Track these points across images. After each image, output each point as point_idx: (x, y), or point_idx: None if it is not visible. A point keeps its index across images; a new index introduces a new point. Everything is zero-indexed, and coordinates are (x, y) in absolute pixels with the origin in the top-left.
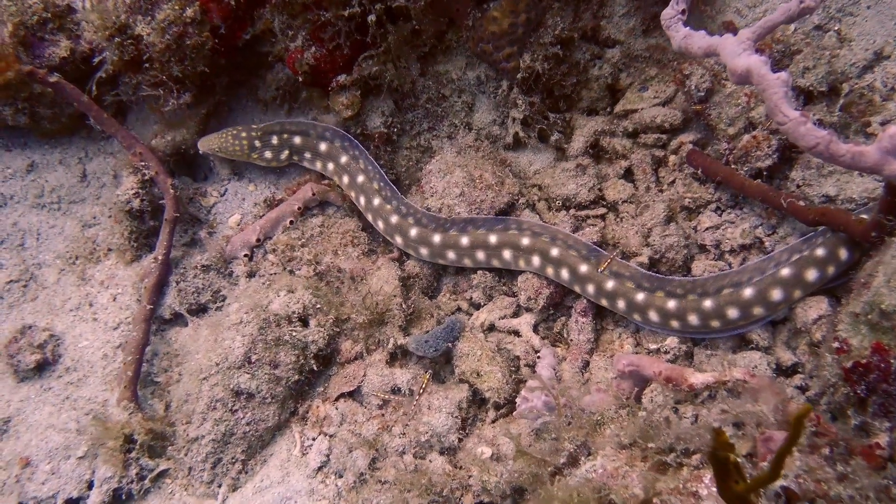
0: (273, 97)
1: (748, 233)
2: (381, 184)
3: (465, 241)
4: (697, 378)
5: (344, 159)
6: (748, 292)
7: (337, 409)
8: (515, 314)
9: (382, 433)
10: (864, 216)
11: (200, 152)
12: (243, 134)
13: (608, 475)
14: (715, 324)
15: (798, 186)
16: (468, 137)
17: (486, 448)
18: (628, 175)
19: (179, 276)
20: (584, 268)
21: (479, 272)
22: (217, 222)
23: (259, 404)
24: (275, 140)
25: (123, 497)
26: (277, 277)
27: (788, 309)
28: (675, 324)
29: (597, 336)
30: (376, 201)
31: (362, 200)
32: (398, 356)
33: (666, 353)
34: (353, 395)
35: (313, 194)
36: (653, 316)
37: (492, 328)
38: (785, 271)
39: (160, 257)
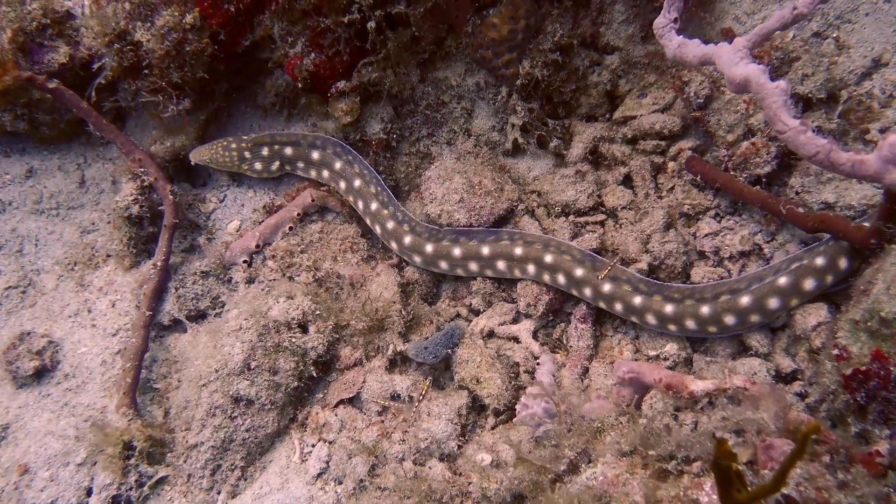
0: (272, 103)
1: (747, 239)
2: (378, 188)
3: (457, 251)
4: (698, 385)
5: (338, 165)
6: (745, 300)
7: (336, 415)
8: (515, 320)
9: (382, 440)
10: (865, 224)
11: (191, 163)
12: (233, 145)
13: (609, 482)
14: (712, 329)
15: (797, 193)
16: (467, 144)
17: (485, 455)
18: (627, 181)
19: (178, 282)
20: (579, 272)
21: (479, 278)
22: (216, 228)
23: (258, 411)
24: (265, 151)
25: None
26: (277, 283)
27: (788, 315)
28: (672, 327)
29: (596, 342)
30: (374, 205)
31: (360, 204)
32: (398, 362)
33: (665, 359)
34: (353, 401)
35: (312, 200)
36: (650, 319)
37: (491, 334)
38: (783, 280)
39: (159, 263)
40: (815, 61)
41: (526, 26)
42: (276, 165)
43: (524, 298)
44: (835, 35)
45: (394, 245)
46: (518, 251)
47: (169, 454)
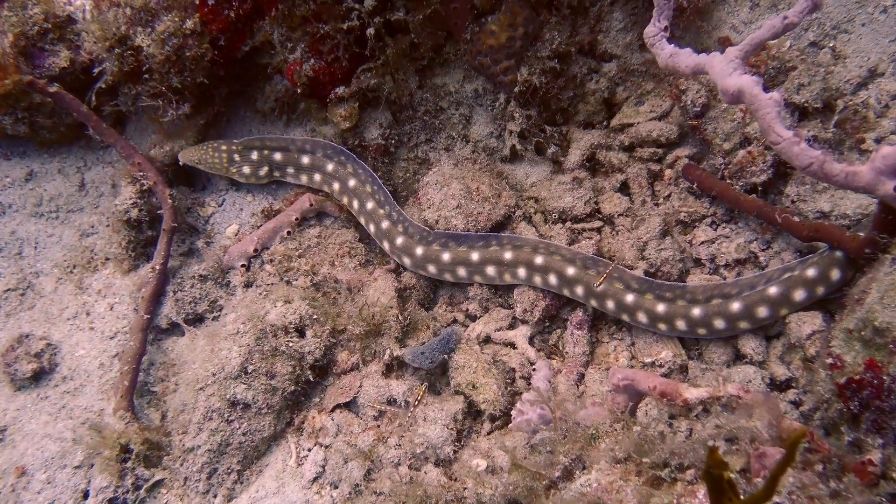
0: (271, 108)
1: (743, 247)
2: (375, 187)
3: (445, 257)
4: (692, 393)
5: (330, 167)
6: (736, 306)
7: (333, 419)
8: (511, 326)
9: (378, 444)
10: (859, 233)
11: (181, 164)
12: (223, 147)
13: (603, 489)
14: (701, 331)
15: (793, 202)
16: (465, 150)
17: (481, 460)
18: (624, 189)
19: (177, 285)
20: (570, 270)
21: (476, 285)
22: (215, 232)
23: (255, 414)
24: (255, 155)
25: None
26: (274, 288)
27: (782, 324)
28: (662, 326)
29: (592, 349)
30: (370, 205)
31: (355, 204)
32: (394, 367)
33: (661, 366)
34: (349, 405)
35: (311, 205)
36: (641, 318)
37: (487, 340)
38: (773, 290)
39: (158, 267)
40: (812, 71)
41: (524, 34)
42: (264, 171)
43: (521, 304)
44: (831, 45)
45: (386, 245)
46: (507, 255)
47: (166, 457)
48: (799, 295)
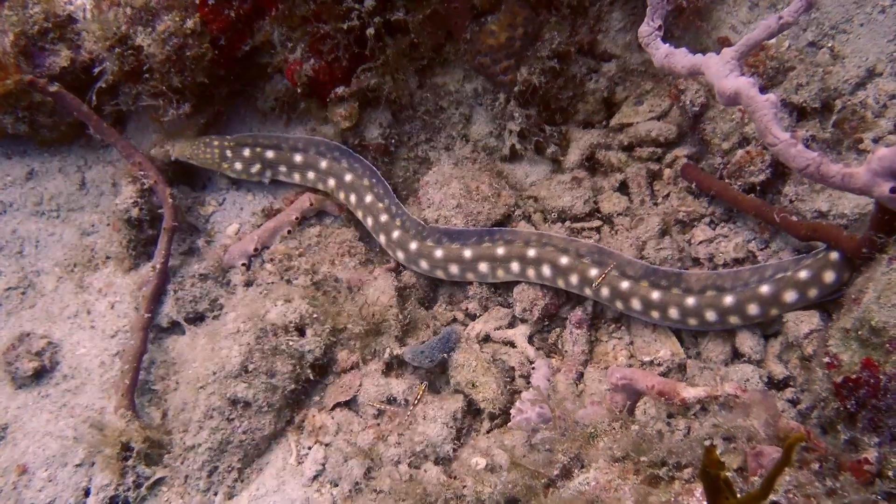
0: (271, 108)
1: (741, 247)
2: (374, 180)
3: (438, 253)
4: (689, 392)
5: (324, 164)
6: (728, 300)
7: (333, 418)
8: (511, 325)
9: (378, 442)
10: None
11: (172, 158)
12: (215, 143)
13: (601, 488)
14: (692, 321)
15: (791, 201)
16: (465, 149)
17: (480, 458)
18: (623, 188)
19: (177, 284)
20: (564, 260)
21: (475, 283)
22: (215, 231)
23: (255, 413)
24: (246, 152)
25: None
26: (275, 287)
27: (780, 322)
28: (655, 314)
29: (591, 348)
30: (368, 198)
31: (353, 198)
32: (394, 366)
33: (659, 365)
34: (349, 404)
35: (311, 204)
36: (635, 304)
37: (487, 339)
38: (765, 288)
39: (158, 266)
40: (810, 71)
41: (524, 34)
42: (256, 168)
43: (520, 303)
44: (829, 45)
45: (382, 238)
46: (500, 251)
47: (166, 455)
48: (789, 296)
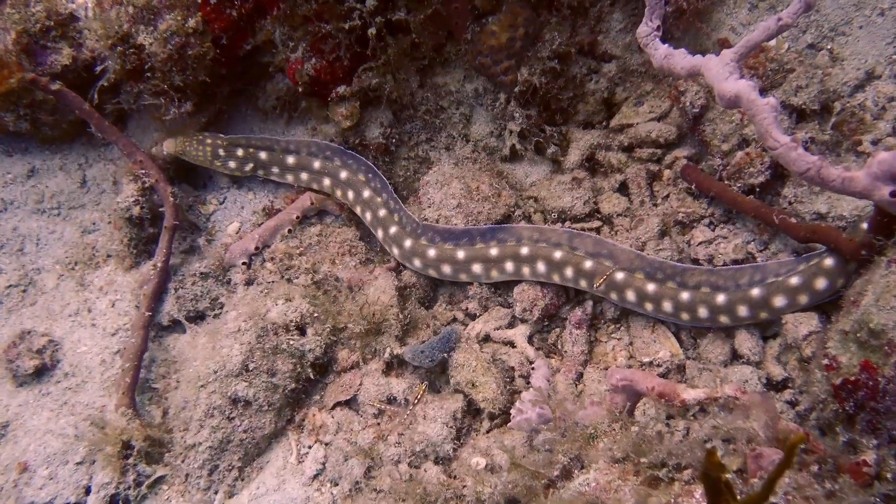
0: (273, 107)
1: (740, 248)
2: (370, 175)
3: (431, 252)
4: (689, 394)
5: (317, 164)
6: (720, 299)
7: (333, 417)
8: (510, 325)
9: (378, 442)
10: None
11: (164, 153)
12: (208, 141)
13: (601, 489)
14: (685, 316)
15: (790, 203)
16: (466, 149)
17: (480, 458)
18: (623, 189)
19: (178, 283)
20: (557, 254)
21: (475, 284)
22: (216, 230)
23: (256, 412)
24: (240, 152)
25: (120, 503)
26: (275, 286)
27: (779, 324)
28: (649, 307)
29: (590, 348)
30: (366, 193)
31: (350, 195)
32: (394, 366)
33: (658, 366)
34: (350, 403)
35: (311, 203)
36: (630, 296)
37: (487, 339)
38: (755, 291)
39: (159, 264)
40: (809, 73)
41: (524, 34)
42: (249, 167)
43: (520, 303)
44: (829, 47)
45: (380, 233)
46: (493, 252)
47: (167, 454)
48: (778, 301)
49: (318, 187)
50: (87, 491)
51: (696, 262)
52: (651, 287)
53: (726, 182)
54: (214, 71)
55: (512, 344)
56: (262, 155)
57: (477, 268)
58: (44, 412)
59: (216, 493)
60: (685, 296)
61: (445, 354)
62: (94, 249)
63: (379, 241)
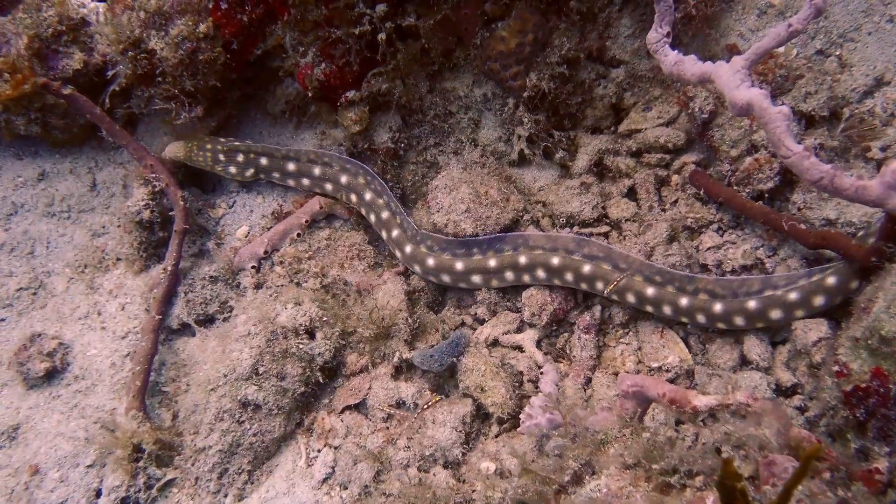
0: (282, 111)
1: (749, 254)
2: (369, 178)
3: (430, 262)
4: (701, 401)
5: (317, 171)
6: (718, 307)
7: (342, 421)
8: (519, 330)
9: (387, 446)
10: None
11: (166, 158)
12: (208, 146)
13: (613, 495)
14: (683, 320)
15: (799, 209)
16: (474, 153)
17: (489, 463)
18: (631, 194)
19: (188, 286)
20: (555, 260)
21: (483, 289)
22: (225, 234)
23: (266, 415)
24: (240, 157)
25: None
26: (284, 289)
27: (789, 330)
28: (649, 308)
29: (599, 353)
30: (367, 195)
31: (353, 198)
32: (403, 370)
33: (667, 371)
34: (359, 407)
35: (321, 207)
36: (630, 299)
37: (495, 343)
38: (752, 303)
39: (169, 268)
40: (819, 79)
41: (534, 40)
42: (250, 172)
43: (529, 308)
44: (838, 53)
45: (383, 234)
46: (492, 263)
47: (177, 457)
48: (775, 314)
49: (319, 191)
50: (98, 494)
51: (704, 267)
52: (650, 290)
53: (735, 188)
54: (225, 75)
55: (520, 348)
56: (263, 160)
57: (476, 278)
58: (54, 415)
59: (226, 496)
60: (684, 301)
61: (454, 359)
62: (104, 253)
63: (384, 241)
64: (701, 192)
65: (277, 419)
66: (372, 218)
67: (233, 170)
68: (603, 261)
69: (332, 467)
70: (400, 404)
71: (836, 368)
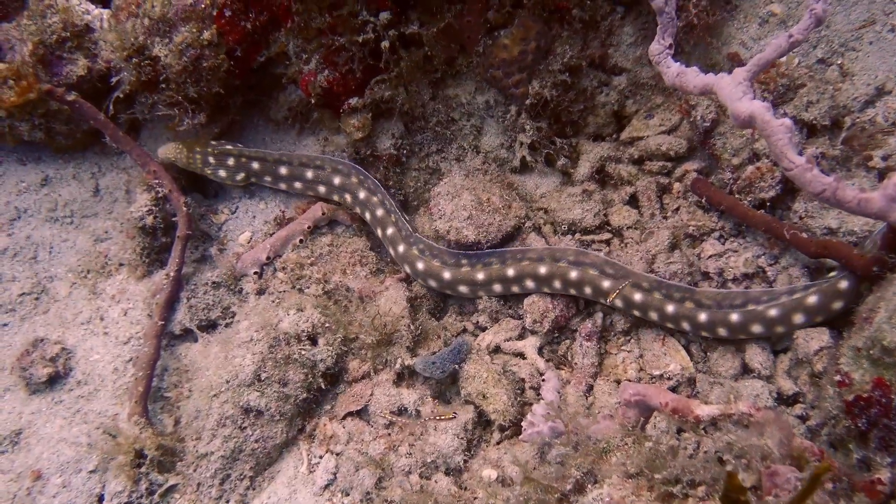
0: (285, 117)
1: (751, 262)
2: (361, 177)
3: (420, 266)
4: (703, 410)
5: (310, 174)
6: (703, 317)
7: (344, 427)
8: (521, 337)
9: (389, 452)
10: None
11: (158, 159)
12: (197, 148)
13: None
14: (669, 326)
15: (800, 218)
16: (476, 160)
17: (491, 470)
18: (633, 201)
19: (190, 292)
20: (542, 269)
21: (485, 297)
22: (228, 239)
23: (268, 422)
24: (230, 161)
25: None
26: (287, 295)
27: (790, 339)
28: (636, 313)
29: (601, 360)
30: (362, 194)
31: (348, 198)
32: (405, 376)
33: (669, 379)
34: (361, 413)
35: (323, 213)
36: (618, 303)
37: (497, 350)
38: (734, 316)
39: (172, 273)
40: (820, 88)
41: (536, 47)
42: (241, 176)
43: (530, 315)
44: (839, 62)
45: (378, 231)
46: (480, 276)
47: (179, 463)
48: (756, 328)
49: (312, 194)
50: (101, 499)
51: (706, 275)
52: (637, 296)
53: (737, 196)
54: (228, 82)
55: (522, 355)
56: (255, 165)
57: (463, 288)
58: (57, 420)
59: (227, 502)
60: (670, 308)
61: (456, 366)
62: (107, 258)
63: (380, 239)
64: (703, 200)
65: (279, 425)
66: (367, 216)
67: (223, 173)
68: (589, 267)
69: (334, 474)
70: (402, 411)
71: (837, 378)
